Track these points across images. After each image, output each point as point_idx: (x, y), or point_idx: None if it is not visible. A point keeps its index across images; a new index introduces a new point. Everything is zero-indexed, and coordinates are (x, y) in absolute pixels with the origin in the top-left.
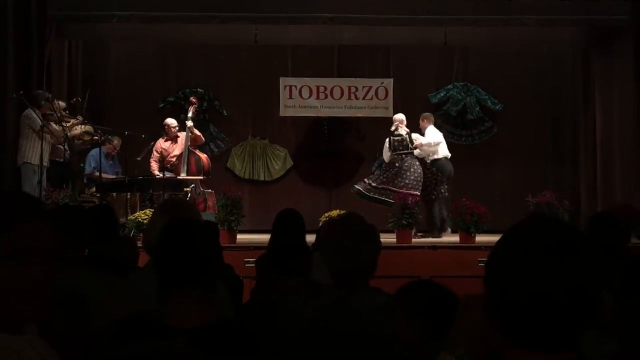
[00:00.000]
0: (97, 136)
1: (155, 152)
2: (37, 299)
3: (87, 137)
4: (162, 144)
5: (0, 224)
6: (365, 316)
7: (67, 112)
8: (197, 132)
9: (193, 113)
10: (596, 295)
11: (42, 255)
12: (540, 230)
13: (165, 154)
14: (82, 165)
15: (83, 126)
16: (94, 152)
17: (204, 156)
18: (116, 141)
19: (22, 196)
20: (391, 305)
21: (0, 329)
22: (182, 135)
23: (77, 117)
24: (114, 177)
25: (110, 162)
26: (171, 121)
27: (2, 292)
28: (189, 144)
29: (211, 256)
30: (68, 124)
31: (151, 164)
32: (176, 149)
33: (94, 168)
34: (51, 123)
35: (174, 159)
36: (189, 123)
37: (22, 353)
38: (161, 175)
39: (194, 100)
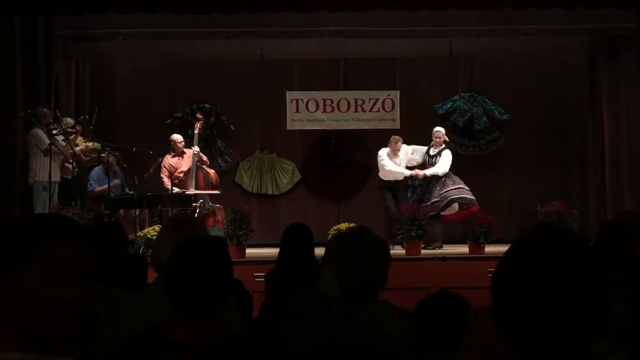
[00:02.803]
0: (104, 154)
1: (164, 168)
2: (71, 319)
3: (94, 155)
4: (169, 160)
5: (38, 243)
6: (374, 329)
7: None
8: (204, 157)
9: (199, 130)
10: (604, 304)
11: (79, 275)
12: (547, 240)
13: (172, 169)
14: (90, 182)
15: (92, 143)
16: (93, 172)
17: (211, 171)
18: (106, 153)
19: (58, 216)
20: (400, 317)
21: (33, 349)
22: (189, 151)
23: (76, 127)
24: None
25: (113, 178)
26: (177, 137)
27: (38, 310)
28: (196, 160)
29: (224, 279)
30: (72, 137)
31: (163, 180)
32: (183, 165)
33: (94, 189)
34: (57, 139)
35: (181, 175)
36: (196, 149)
37: None
38: (174, 189)
39: (200, 116)
